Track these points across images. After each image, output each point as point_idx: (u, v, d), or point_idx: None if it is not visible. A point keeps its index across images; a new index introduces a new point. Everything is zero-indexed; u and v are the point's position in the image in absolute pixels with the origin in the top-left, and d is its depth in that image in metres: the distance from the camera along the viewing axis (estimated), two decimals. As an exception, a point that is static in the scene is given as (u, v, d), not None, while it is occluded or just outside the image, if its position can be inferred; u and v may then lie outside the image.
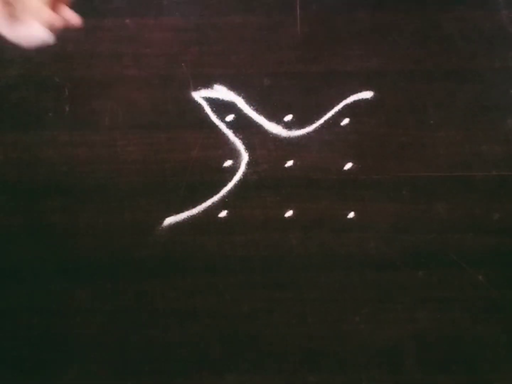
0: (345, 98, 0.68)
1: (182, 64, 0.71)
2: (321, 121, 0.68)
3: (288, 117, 0.69)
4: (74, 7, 0.73)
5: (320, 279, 0.62)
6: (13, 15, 0.52)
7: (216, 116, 0.69)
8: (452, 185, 0.66)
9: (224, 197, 0.66)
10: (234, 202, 0.66)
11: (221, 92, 0.70)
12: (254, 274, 0.62)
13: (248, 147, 0.68)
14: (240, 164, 0.67)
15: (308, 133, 0.68)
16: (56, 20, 0.53)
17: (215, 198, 0.66)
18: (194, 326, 0.60)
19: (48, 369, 0.58)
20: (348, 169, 0.67)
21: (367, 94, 0.69)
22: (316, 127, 0.68)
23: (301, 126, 0.69)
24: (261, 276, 0.62)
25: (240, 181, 0.67)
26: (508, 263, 0.63)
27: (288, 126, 0.69)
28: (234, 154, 0.68)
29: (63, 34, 0.72)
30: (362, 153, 0.67)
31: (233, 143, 0.68)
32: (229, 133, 0.69)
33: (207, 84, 0.70)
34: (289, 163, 0.67)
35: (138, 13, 0.73)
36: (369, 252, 0.63)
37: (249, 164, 0.67)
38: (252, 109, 0.69)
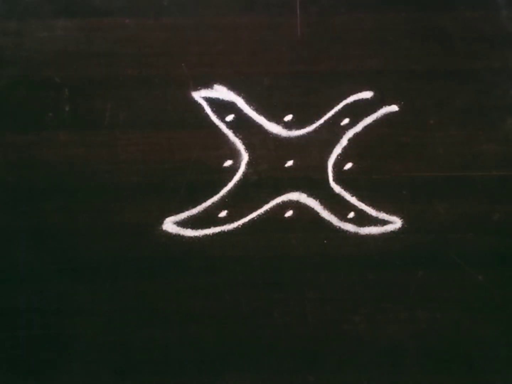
0: (345, 98, 0.68)
1: (182, 64, 0.71)
2: (321, 121, 0.68)
3: (288, 117, 0.69)
4: (74, 7, 0.73)
5: (320, 279, 0.62)
6: None
7: (216, 116, 0.69)
8: (452, 185, 0.66)
9: (224, 197, 0.66)
10: (234, 202, 0.65)
11: (221, 92, 0.70)
12: (254, 274, 0.62)
13: (248, 147, 0.68)
14: (240, 164, 0.67)
15: (308, 133, 0.68)
16: None
17: (215, 198, 0.66)
18: (194, 326, 0.60)
19: (48, 369, 0.58)
20: (348, 169, 0.67)
21: (367, 94, 0.69)
22: (316, 127, 0.68)
23: (301, 126, 0.69)
24: (261, 276, 0.62)
25: (240, 181, 0.67)
26: (508, 263, 0.63)
27: (288, 126, 0.69)
28: (234, 154, 0.68)
29: (63, 34, 0.72)
30: (362, 153, 0.67)
31: (233, 143, 0.68)
32: (229, 133, 0.69)
33: (207, 84, 0.70)
34: (289, 163, 0.67)
35: (138, 13, 0.73)
36: (369, 252, 0.63)
37: (249, 164, 0.67)
38: (252, 109, 0.69)
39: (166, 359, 0.59)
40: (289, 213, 0.65)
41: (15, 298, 0.62)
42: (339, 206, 0.65)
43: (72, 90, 0.70)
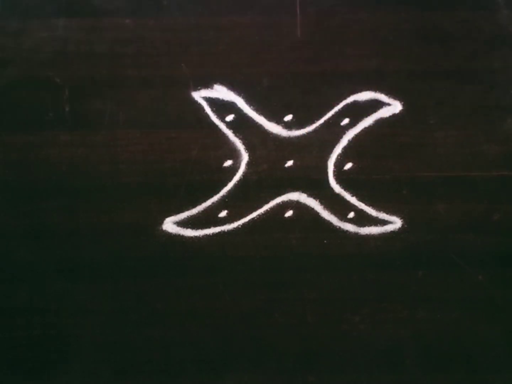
0: (345, 98, 0.68)
1: (182, 64, 0.71)
2: (321, 121, 0.68)
3: (288, 117, 0.69)
4: (74, 7, 0.74)
5: (320, 279, 0.62)
6: None
7: (216, 116, 0.69)
8: (452, 185, 0.66)
9: (224, 197, 0.66)
10: (234, 202, 0.66)
11: (221, 92, 0.70)
12: (254, 274, 0.62)
13: (248, 147, 0.68)
14: (240, 164, 0.67)
15: (308, 133, 0.68)
16: None
17: (215, 198, 0.66)
18: (194, 326, 0.60)
19: (48, 369, 0.58)
20: (348, 169, 0.67)
21: (367, 94, 0.69)
22: (316, 127, 0.68)
23: (301, 126, 0.69)
24: (261, 276, 0.62)
25: (240, 181, 0.67)
26: (508, 263, 0.63)
27: (288, 126, 0.69)
28: (234, 154, 0.68)
29: (63, 34, 0.72)
30: (362, 153, 0.67)
31: (233, 143, 0.68)
32: (229, 133, 0.69)
33: (207, 84, 0.70)
34: (289, 163, 0.67)
35: (138, 13, 0.73)
36: (369, 252, 0.63)
37: (249, 164, 0.67)
38: (252, 109, 0.69)
39: (166, 359, 0.59)
40: (289, 213, 0.65)
41: (15, 298, 0.62)
42: (339, 206, 0.65)
43: (72, 90, 0.70)
